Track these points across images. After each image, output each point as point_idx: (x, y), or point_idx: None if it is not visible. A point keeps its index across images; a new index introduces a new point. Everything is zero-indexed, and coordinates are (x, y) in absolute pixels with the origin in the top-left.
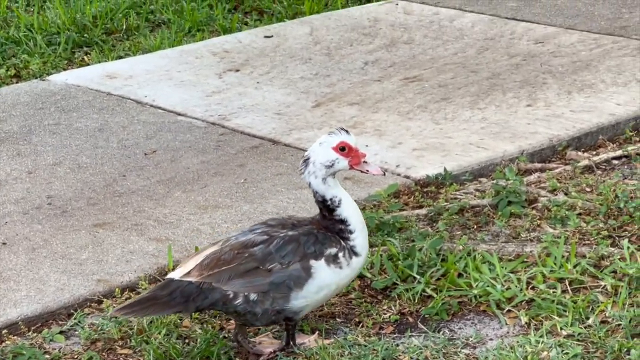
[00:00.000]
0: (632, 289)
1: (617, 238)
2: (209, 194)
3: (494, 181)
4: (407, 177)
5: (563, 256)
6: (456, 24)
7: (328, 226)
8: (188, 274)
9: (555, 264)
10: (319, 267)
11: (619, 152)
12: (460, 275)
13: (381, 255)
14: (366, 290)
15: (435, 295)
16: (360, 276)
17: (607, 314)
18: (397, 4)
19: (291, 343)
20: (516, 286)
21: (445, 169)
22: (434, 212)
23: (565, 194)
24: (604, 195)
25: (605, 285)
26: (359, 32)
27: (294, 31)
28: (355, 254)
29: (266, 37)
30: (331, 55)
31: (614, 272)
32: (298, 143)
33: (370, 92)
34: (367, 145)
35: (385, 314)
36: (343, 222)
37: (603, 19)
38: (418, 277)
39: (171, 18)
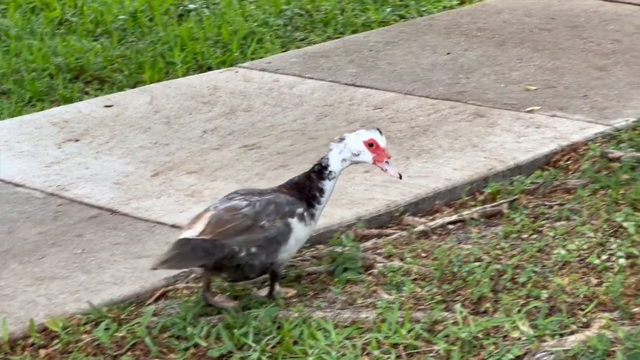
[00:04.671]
0: (464, 352)
1: (450, 302)
2: (46, 265)
3: (331, 248)
4: None
5: (398, 322)
6: (296, 90)
7: (305, 187)
8: (202, 232)
9: (390, 329)
10: (295, 223)
11: (454, 217)
12: (295, 342)
13: (217, 324)
14: (202, 359)
15: None
16: (195, 344)
17: None
18: (237, 72)
19: (273, 293)
20: (351, 352)
21: None
22: None
23: (401, 260)
24: (438, 260)
25: (438, 350)
26: (198, 100)
27: (134, 100)
28: (313, 219)
29: (106, 106)
30: (170, 124)
31: (447, 336)
32: (136, 212)
33: (209, 160)
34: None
35: None
36: (321, 191)
37: (441, 84)
38: (254, 345)
39: (11, 88)
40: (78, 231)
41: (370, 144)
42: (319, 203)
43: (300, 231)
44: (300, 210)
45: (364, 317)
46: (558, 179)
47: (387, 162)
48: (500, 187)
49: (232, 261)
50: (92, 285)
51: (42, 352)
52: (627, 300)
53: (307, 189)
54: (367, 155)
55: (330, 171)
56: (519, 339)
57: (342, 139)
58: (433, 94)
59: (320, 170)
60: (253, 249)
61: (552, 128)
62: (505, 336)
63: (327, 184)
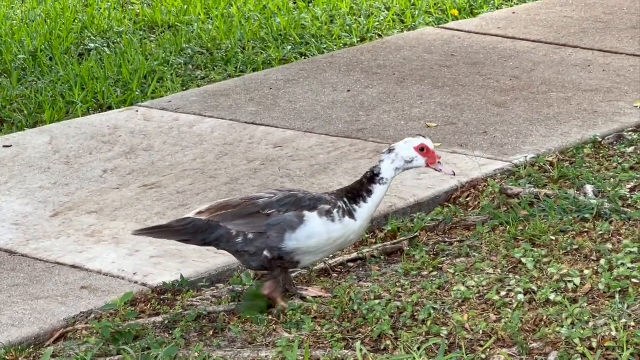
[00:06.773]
0: None
1: (350, 340)
2: None
3: (231, 287)
4: (145, 284)
5: None
6: (196, 129)
7: (354, 189)
8: (200, 213)
9: None
10: (311, 217)
11: (354, 255)
12: None
13: None
14: None
15: None
16: None
17: None
18: (137, 111)
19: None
20: None
21: (182, 276)
22: (171, 319)
23: (301, 298)
24: (338, 298)
25: None
26: (98, 140)
27: (34, 140)
28: (352, 216)
29: (5, 146)
30: (70, 164)
31: None
32: (35, 253)
33: (109, 200)
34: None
35: None
36: (370, 192)
37: (341, 122)
38: None
39: None
40: None
41: (422, 149)
42: (364, 201)
43: (319, 226)
44: (326, 206)
45: (263, 355)
46: (458, 215)
47: (439, 162)
48: (400, 225)
49: (230, 246)
50: None
51: None
52: (526, 336)
53: (356, 191)
54: (420, 160)
55: (382, 177)
56: None
57: (391, 150)
58: (333, 132)
59: (371, 177)
60: (250, 235)
61: (452, 165)
62: None
63: (377, 188)
